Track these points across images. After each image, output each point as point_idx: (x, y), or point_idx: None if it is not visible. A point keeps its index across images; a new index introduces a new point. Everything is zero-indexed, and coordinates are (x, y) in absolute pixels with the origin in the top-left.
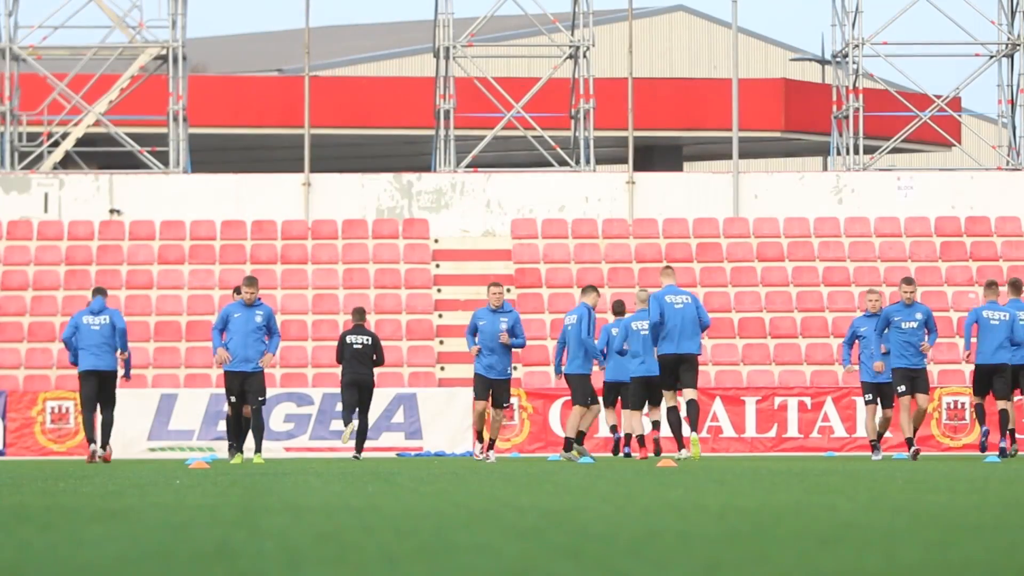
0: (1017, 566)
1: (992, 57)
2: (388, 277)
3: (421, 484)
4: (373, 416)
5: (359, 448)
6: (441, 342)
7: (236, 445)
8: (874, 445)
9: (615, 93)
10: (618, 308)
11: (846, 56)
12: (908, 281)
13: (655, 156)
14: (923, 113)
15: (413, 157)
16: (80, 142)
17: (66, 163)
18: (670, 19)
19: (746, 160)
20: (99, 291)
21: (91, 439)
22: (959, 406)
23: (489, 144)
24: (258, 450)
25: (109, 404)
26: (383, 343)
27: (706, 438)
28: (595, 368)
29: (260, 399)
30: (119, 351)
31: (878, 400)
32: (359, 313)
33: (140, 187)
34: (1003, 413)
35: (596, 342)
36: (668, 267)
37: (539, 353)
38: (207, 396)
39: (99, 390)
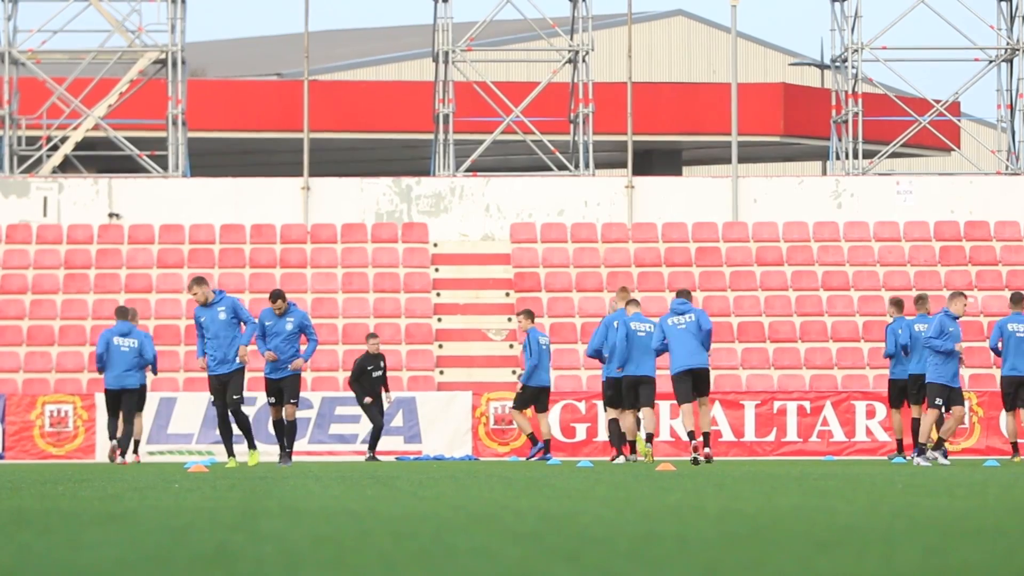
0: (1016, 570)
1: (991, 62)
2: (387, 281)
3: (420, 488)
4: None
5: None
6: (440, 346)
7: (284, 450)
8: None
9: (614, 97)
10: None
11: (845, 60)
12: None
13: (654, 160)
14: (922, 118)
15: (412, 161)
16: (79, 146)
17: (65, 167)
18: (669, 23)
19: (745, 164)
20: (123, 311)
21: (113, 436)
22: None
23: (488, 148)
24: (251, 446)
25: (132, 415)
26: (382, 347)
27: None
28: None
29: (235, 397)
30: (148, 368)
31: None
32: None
33: (139, 191)
34: (915, 422)
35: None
36: (634, 300)
37: None
38: (206, 400)
39: (124, 403)
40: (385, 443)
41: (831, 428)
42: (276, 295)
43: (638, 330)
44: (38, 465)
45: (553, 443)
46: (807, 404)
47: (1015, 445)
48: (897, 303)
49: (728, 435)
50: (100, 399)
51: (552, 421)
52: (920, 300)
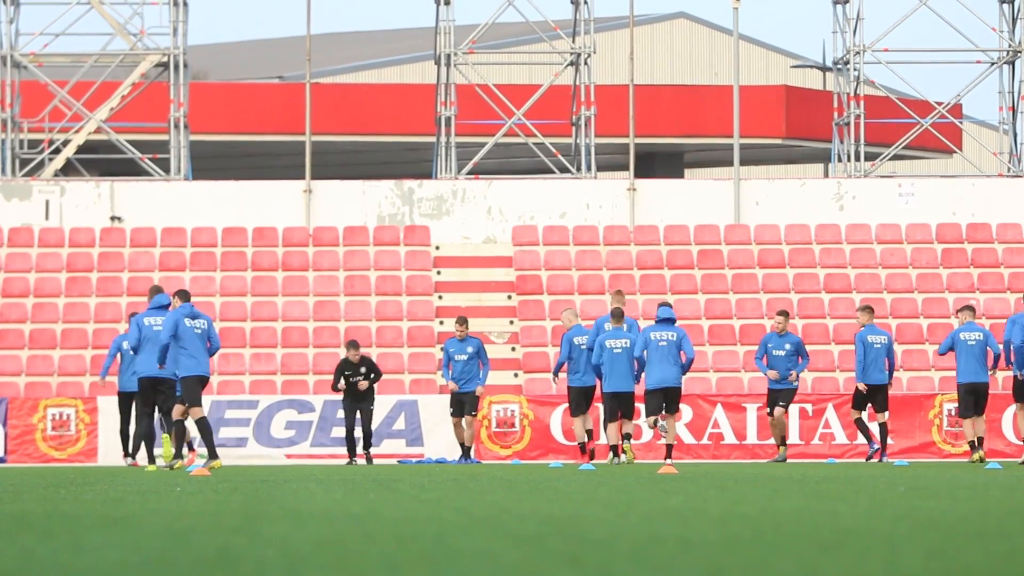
0: (1018, 572)
1: (993, 64)
2: (389, 284)
3: (422, 491)
4: (374, 423)
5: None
6: (442, 349)
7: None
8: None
9: (616, 100)
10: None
11: (847, 63)
12: (782, 313)
13: (656, 163)
14: (924, 120)
15: (414, 164)
16: (81, 149)
17: (67, 170)
18: (671, 26)
19: (747, 167)
20: (133, 315)
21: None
22: None
23: (490, 151)
24: (151, 460)
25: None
26: (384, 350)
27: (707, 444)
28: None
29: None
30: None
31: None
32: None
33: (141, 194)
34: (883, 426)
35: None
36: (616, 314)
37: (540, 360)
38: (208, 403)
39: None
40: (387, 446)
41: (833, 431)
42: (175, 295)
43: (614, 347)
44: (40, 468)
45: (555, 445)
46: (809, 407)
47: (980, 441)
48: (784, 313)
49: (730, 438)
50: (104, 402)
51: (555, 424)
52: (867, 310)
